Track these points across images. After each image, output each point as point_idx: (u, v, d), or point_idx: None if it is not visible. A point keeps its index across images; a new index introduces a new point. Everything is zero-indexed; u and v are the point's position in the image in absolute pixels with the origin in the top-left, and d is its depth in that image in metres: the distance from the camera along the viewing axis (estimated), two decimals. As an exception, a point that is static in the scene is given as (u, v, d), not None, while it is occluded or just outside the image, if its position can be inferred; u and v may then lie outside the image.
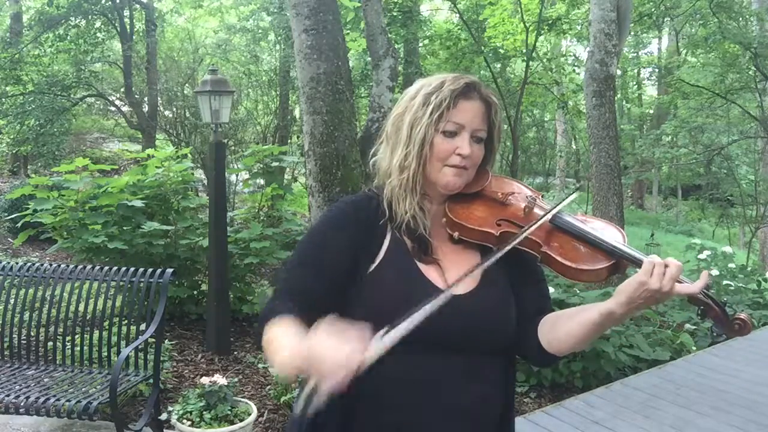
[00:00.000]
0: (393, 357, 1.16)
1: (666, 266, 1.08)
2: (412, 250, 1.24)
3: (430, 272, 1.22)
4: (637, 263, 1.14)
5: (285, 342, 1.08)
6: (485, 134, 1.26)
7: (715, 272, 6.60)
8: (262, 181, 5.99)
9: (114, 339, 3.31)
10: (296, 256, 1.26)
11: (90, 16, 12.01)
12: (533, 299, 1.29)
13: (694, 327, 5.10)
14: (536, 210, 1.25)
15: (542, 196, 1.31)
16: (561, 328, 1.21)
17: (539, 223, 1.21)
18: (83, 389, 2.96)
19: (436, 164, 1.23)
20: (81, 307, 3.51)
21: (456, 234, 1.26)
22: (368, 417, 1.20)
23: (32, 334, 3.30)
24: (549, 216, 1.23)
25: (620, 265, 1.19)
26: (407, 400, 1.18)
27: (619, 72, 12.23)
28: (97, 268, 3.35)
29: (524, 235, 1.20)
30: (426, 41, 13.13)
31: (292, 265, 1.25)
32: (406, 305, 1.12)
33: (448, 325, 1.17)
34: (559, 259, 1.20)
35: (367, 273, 1.21)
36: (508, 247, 1.19)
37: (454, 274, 1.21)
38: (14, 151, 11.64)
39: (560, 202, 1.25)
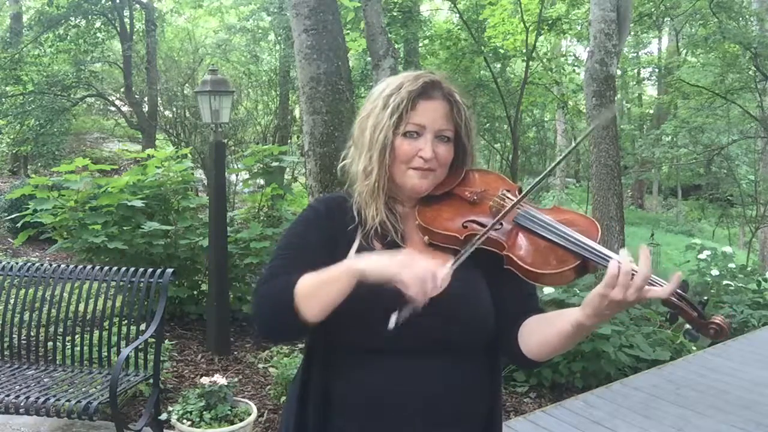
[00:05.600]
0: (370, 362, 1.16)
1: (632, 276, 1.00)
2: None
3: None
4: (605, 265, 1.06)
5: (362, 259, 1.09)
6: (452, 133, 1.23)
7: (715, 272, 6.59)
8: (262, 181, 5.99)
9: (114, 339, 3.31)
10: (276, 253, 1.25)
11: (90, 16, 12.02)
12: (513, 299, 1.24)
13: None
14: (505, 206, 1.20)
15: (519, 190, 1.25)
16: (537, 336, 1.18)
17: (494, 224, 1.16)
18: (83, 389, 2.96)
19: (401, 167, 1.21)
20: (81, 307, 3.51)
21: (426, 238, 1.22)
22: (347, 421, 1.19)
23: (32, 334, 3.30)
24: (505, 215, 1.17)
25: (588, 265, 1.12)
26: (388, 405, 1.17)
27: (619, 72, 12.22)
28: (97, 268, 3.35)
29: (481, 237, 1.15)
30: (426, 41, 13.13)
31: (273, 260, 1.24)
32: (371, 311, 1.12)
33: (421, 326, 1.14)
34: (519, 262, 1.14)
35: None
36: (468, 250, 1.14)
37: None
38: (14, 151, 11.65)
39: (518, 200, 1.19)
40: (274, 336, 1.27)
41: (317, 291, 1.09)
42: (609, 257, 1.07)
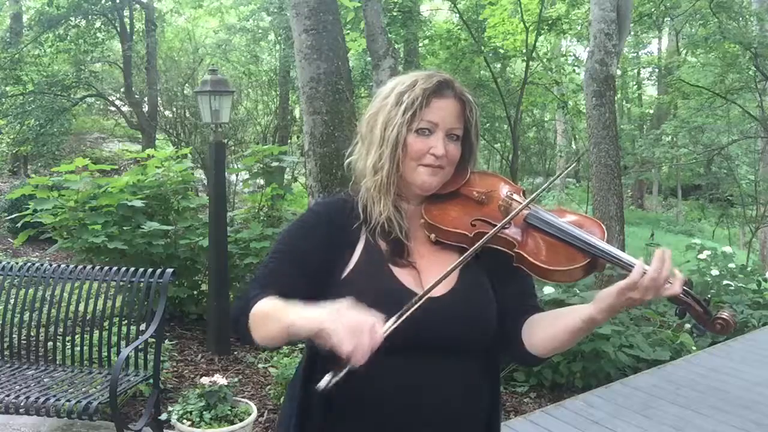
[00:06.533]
0: (372, 363, 1.16)
1: (652, 279, 1.05)
2: (386, 253, 1.21)
3: (404, 276, 1.20)
4: (615, 264, 1.12)
5: (297, 308, 1.02)
6: (461, 132, 1.25)
7: (715, 272, 6.59)
8: (262, 181, 5.99)
9: (114, 339, 3.31)
10: (270, 256, 1.24)
11: (90, 16, 12.01)
12: (516, 298, 1.26)
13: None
14: (513, 207, 1.22)
15: (523, 192, 1.28)
16: (544, 332, 1.19)
17: (509, 220, 1.19)
18: (83, 389, 2.96)
19: (411, 164, 1.22)
20: (81, 307, 3.51)
21: (433, 236, 1.23)
22: (350, 422, 1.19)
23: (32, 334, 3.30)
24: (518, 213, 1.20)
25: (596, 263, 1.16)
26: (389, 405, 1.16)
27: (619, 72, 12.22)
28: (97, 268, 3.35)
29: (494, 233, 1.17)
30: (426, 41, 13.14)
31: (265, 264, 1.24)
32: (379, 311, 1.10)
33: (427, 328, 1.15)
34: (530, 259, 1.17)
35: (341, 278, 1.19)
36: (478, 246, 1.16)
37: (431, 277, 1.18)
38: (14, 151, 11.64)
39: (529, 200, 1.22)
40: (241, 341, 1.26)
41: (264, 323, 1.09)
42: (621, 258, 1.12)
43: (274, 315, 1.06)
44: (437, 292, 1.18)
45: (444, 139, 1.22)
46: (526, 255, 1.18)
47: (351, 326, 0.93)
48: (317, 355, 1.21)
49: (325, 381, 0.97)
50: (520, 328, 1.23)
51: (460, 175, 1.29)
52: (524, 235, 1.21)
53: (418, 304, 1.09)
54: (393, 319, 1.04)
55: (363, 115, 1.29)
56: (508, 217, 1.19)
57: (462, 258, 1.16)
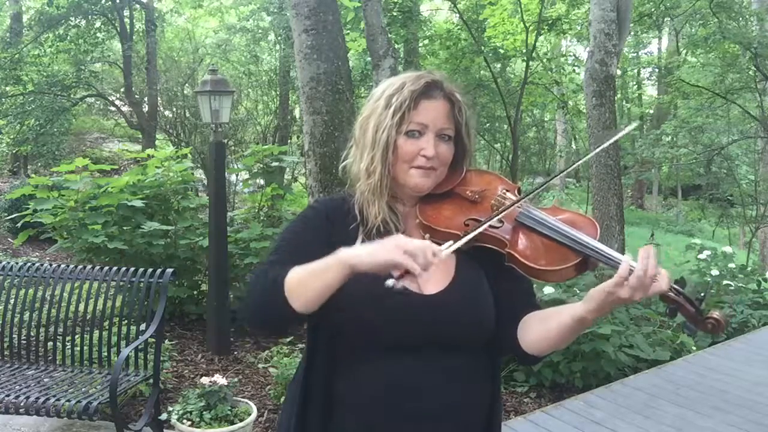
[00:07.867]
0: (372, 361, 1.16)
1: (638, 277, 1.03)
2: None
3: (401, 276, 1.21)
4: (606, 263, 1.10)
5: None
6: (452, 132, 1.25)
7: (715, 272, 6.59)
8: (262, 181, 6.00)
9: (114, 339, 3.31)
10: (272, 251, 1.25)
11: (90, 16, 12.02)
12: (512, 296, 1.25)
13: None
14: (505, 205, 1.22)
15: (518, 190, 1.27)
16: (538, 331, 1.19)
17: (494, 216, 1.18)
18: (83, 389, 2.96)
19: (403, 166, 1.22)
20: (81, 307, 3.51)
21: (427, 236, 1.23)
22: (350, 420, 1.19)
23: (32, 334, 3.30)
24: (506, 211, 1.19)
25: (588, 262, 1.14)
26: (389, 404, 1.17)
27: (619, 72, 12.22)
28: (97, 268, 3.35)
29: (481, 229, 1.17)
30: (426, 41, 13.14)
31: (268, 257, 1.24)
32: (377, 312, 1.13)
33: (423, 325, 1.16)
34: (521, 259, 1.16)
35: None
36: (466, 239, 1.15)
37: (429, 277, 1.17)
38: (14, 151, 11.65)
39: (519, 198, 1.22)
40: (266, 326, 1.24)
41: (307, 281, 1.08)
42: (612, 256, 1.10)
43: (325, 264, 1.07)
44: (434, 289, 1.19)
45: (434, 140, 1.22)
46: (516, 255, 1.17)
47: (415, 248, 1.01)
48: (316, 357, 1.22)
49: (392, 281, 1.01)
50: (516, 326, 1.23)
51: (455, 174, 1.29)
52: (515, 234, 1.20)
53: (479, 230, 1.17)
54: (451, 241, 1.12)
55: (357, 119, 1.30)
56: (494, 214, 1.19)
57: (457, 243, 1.15)
